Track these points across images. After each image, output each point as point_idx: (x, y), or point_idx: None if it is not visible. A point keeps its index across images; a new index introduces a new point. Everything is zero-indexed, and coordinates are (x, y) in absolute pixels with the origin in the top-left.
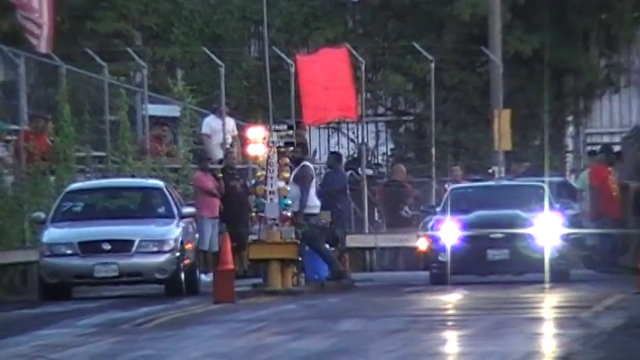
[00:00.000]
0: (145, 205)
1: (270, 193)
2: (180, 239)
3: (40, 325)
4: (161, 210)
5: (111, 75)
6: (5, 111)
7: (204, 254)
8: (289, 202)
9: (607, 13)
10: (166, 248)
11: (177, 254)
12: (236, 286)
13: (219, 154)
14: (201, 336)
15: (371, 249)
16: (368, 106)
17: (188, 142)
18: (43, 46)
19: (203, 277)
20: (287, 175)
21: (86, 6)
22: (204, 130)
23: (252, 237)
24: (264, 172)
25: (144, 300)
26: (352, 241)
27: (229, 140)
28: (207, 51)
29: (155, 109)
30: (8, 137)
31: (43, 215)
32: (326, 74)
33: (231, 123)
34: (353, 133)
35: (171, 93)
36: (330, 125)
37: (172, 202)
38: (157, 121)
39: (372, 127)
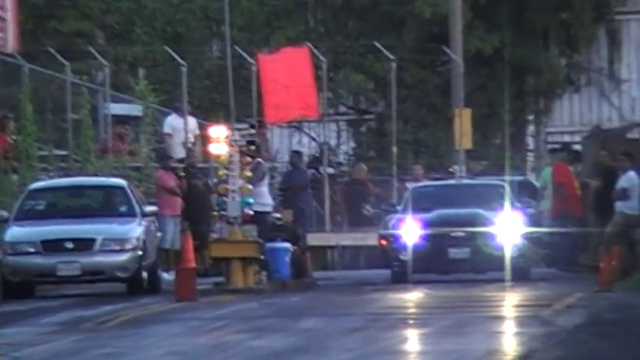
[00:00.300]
0: (107, 204)
1: (231, 191)
2: (142, 238)
3: (1, 324)
4: (123, 209)
5: (73, 74)
6: None
7: (166, 252)
8: (251, 200)
9: (567, 12)
10: (128, 247)
11: (139, 253)
12: (198, 285)
13: (180, 152)
14: (163, 334)
15: (332, 247)
16: (329, 105)
17: (150, 140)
18: (9, 46)
19: (165, 275)
20: (249, 174)
21: (48, 5)
22: (166, 129)
23: (213, 235)
24: (226, 171)
25: (106, 298)
26: (314, 239)
27: (191, 139)
28: (169, 50)
29: (117, 108)
30: None
31: (5, 214)
32: (287, 73)
33: (192, 122)
34: (314, 132)
35: (133, 92)
36: (292, 124)
37: (134, 201)
38: (119, 120)
39: (333, 126)
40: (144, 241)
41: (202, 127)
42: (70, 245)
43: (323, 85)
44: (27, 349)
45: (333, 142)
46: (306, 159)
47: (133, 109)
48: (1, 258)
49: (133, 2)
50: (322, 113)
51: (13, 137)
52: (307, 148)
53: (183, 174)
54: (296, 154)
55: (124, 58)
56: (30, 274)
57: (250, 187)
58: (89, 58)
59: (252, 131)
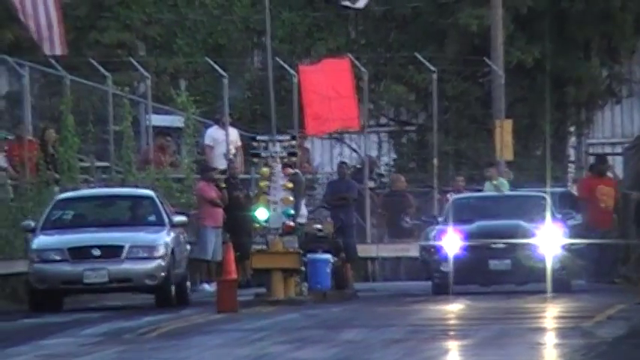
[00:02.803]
0: (135, 214)
1: (273, 203)
2: (170, 247)
3: (44, 335)
4: (151, 218)
5: (114, 85)
6: (10, 121)
7: (208, 264)
8: (292, 211)
9: (608, 23)
10: (156, 254)
11: (168, 261)
12: (239, 296)
13: (222, 164)
14: (204, 345)
15: (373, 259)
16: (370, 117)
17: (191, 152)
18: (57, 48)
19: (206, 286)
20: (290, 185)
21: (90, 16)
22: (207, 140)
23: (255, 247)
24: (267, 183)
25: (147, 309)
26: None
27: (232, 150)
28: (210, 61)
29: (158, 120)
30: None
31: (32, 223)
32: (328, 84)
33: (234, 133)
34: (355, 143)
35: (175, 103)
36: (333, 136)
37: (163, 211)
38: (161, 131)
39: (374, 138)
40: (172, 251)
41: (243, 139)
42: (97, 252)
43: (364, 96)
44: None
45: (373, 154)
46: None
47: (175, 121)
48: (28, 266)
49: (174, 13)
50: (363, 124)
51: (55, 149)
52: (348, 159)
53: (224, 185)
54: (343, 165)
55: (165, 69)
56: (57, 281)
57: (291, 198)
58: (130, 69)
59: (293, 142)
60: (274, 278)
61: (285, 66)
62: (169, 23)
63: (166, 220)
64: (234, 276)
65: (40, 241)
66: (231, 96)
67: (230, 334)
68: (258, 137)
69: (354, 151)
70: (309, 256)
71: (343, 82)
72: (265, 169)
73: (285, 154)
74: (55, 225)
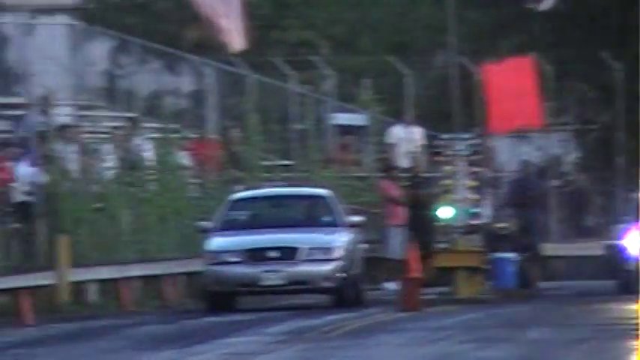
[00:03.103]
0: (310, 214)
1: (456, 201)
2: (347, 248)
3: (227, 333)
4: (327, 218)
5: (298, 84)
6: (193, 120)
7: (391, 262)
8: (475, 210)
9: None
10: (334, 256)
11: (345, 263)
12: (422, 295)
13: (405, 162)
14: (388, 344)
15: (557, 257)
16: (554, 115)
17: (375, 150)
18: (239, 43)
19: (390, 285)
20: (473, 183)
21: (273, 15)
22: (391, 139)
23: (438, 245)
24: (450, 181)
25: (330, 308)
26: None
27: (416, 149)
28: (393, 60)
29: (342, 118)
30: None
31: (207, 224)
32: (512, 83)
33: (417, 132)
34: (539, 141)
35: (358, 102)
36: (516, 134)
37: (338, 211)
38: (344, 129)
39: (558, 136)
40: (349, 252)
41: (427, 137)
42: (274, 254)
43: (547, 94)
44: (254, 359)
45: (558, 152)
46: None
47: (358, 119)
48: (203, 268)
49: (357, 12)
50: (547, 123)
51: (238, 147)
52: (532, 157)
53: (406, 184)
54: (526, 163)
55: (349, 68)
56: (233, 283)
57: (475, 197)
58: (314, 68)
59: (477, 141)
60: (458, 277)
61: (469, 64)
62: (353, 22)
63: (342, 220)
64: (417, 274)
65: (216, 242)
66: (415, 94)
67: (413, 332)
68: (442, 136)
69: (538, 149)
70: (493, 254)
71: (527, 81)
72: (449, 168)
73: (468, 152)
74: (230, 225)
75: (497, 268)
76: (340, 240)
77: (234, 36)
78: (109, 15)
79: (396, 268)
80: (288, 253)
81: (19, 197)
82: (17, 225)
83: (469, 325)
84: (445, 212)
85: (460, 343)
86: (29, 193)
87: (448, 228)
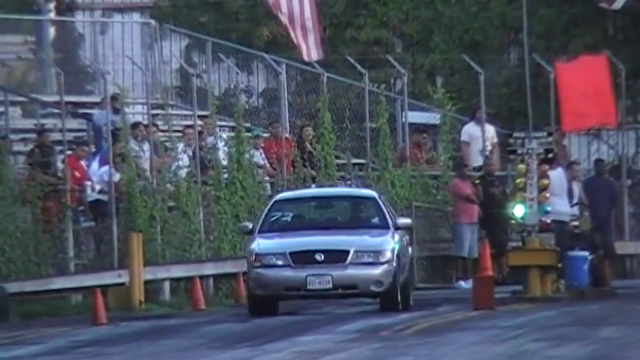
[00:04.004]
0: (357, 215)
1: (529, 199)
2: (396, 251)
3: (300, 332)
4: (375, 220)
5: (371, 82)
6: (266, 118)
7: (464, 261)
8: (549, 208)
9: None
10: (383, 259)
11: (394, 266)
12: (495, 293)
13: (477, 161)
14: (461, 342)
15: (631, 256)
16: (628, 113)
17: (447, 149)
18: (313, 54)
19: (462, 283)
20: (546, 182)
21: (347, 14)
22: (464, 137)
23: (511, 244)
24: (523, 179)
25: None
26: None
27: (489, 147)
28: (466, 58)
29: (415, 117)
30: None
31: (250, 225)
32: (585, 81)
33: (490, 130)
34: (613, 140)
35: (431, 100)
36: (590, 132)
37: (386, 213)
38: (417, 128)
39: (632, 135)
40: (398, 255)
41: (500, 135)
42: (320, 257)
43: (621, 93)
44: (324, 357)
45: (631, 151)
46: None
47: (431, 118)
48: (248, 271)
49: (431, 11)
50: (620, 121)
51: (312, 146)
52: (605, 156)
53: (478, 182)
54: (600, 162)
55: (422, 66)
56: (279, 287)
57: (548, 195)
58: (387, 66)
59: (550, 139)
60: (531, 275)
61: (542, 63)
62: (426, 20)
63: (390, 222)
64: (490, 273)
65: (260, 244)
66: (488, 92)
67: (486, 331)
68: (515, 134)
69: (611, 147)
70: (567, 253)
71: (600, 79)
72: (522, 166)
73: (541, 150)
74: (273, 227)
75: (570, 267)
76: (390, 242)
77: (310, 47)
78: (182, 13)
79: (469, 267)
80: (336, 256)
81: (93, 196)
82: (90, 224)
83: (542, 324)
84: (518, 210)
85: (532, 341)
86: (102, 192)
87: (521, 226)
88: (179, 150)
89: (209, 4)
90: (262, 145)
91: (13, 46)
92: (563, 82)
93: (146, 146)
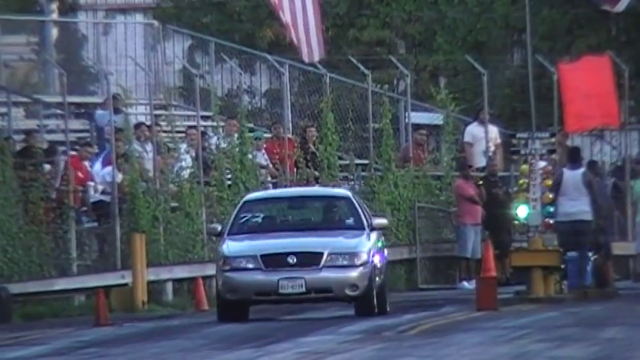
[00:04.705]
0: (330, 216)
1: (532, 200)
2: (372, 253)
3: (304, 332)
4: (349, 221)
5: (374, 83)
6: (269, 119)
7: (467, 261)
8: (552, 209)
9: None
10: (358, 262)
11: (369, 269)
12: (499, 294)
13: (481, 161)
14: (464, 343)
15: (634, 256)
16: (631, 114)
17: (451, 149)
18: (315, 55)
19: (465, 284)
20: (549, 182)
21: (350, 14)
22: (467, 137)
23: (514, 244)
24: (526, 180)
25: (406, 307)
26: (616, 248)
27: (492, 148)
28: (470, 59)
29: (418, 117)
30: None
31: (219, 227)
32: (588, 82)
33: (493, 130)
34: (616, 140)
35: (434, 101)
36: (593, 133)
37: (361, 213)
38: (420, 128)
39: (635, 135)
40: (374, 257)
41: (503, 136)
42: (293, 260)
43: (625, 93)
44: (328, 358)
45: (634, 151)
46: (607, 168)
47: (434, 118)
48: (217, 274)
49: (434, 11)
50: (623, 122)
51: (315, 146)
52: (608, 157)
53: (481, 182)
54: (593, 164)
55: (425, 67)
56: (249, 291)
57: (551, 195)
58: (390, 67)
59: (553, 140)
60: (534, 276)
61: (545, 63)
62: (429, 21)
63: (365, 223)
64: (493, 273)
65: (230, 246)
66: (491, 93)
67: (490, 332)
68: (518, 134)
69: (614, 148)
70: (569, 254)
71: (603, 80)
72: (525, 167)
73: (544, 151)
74: (243, 229)
75: (573, 268)
76: (365, 244)
77: (312, 47)
78: (185, 14)
79: (472, 267)
80: (309, 259)
81: (95, 197)
82: (93, 224)
83: (545, 325)
84: (521, 211)
85: (536, 342)
86: (105, 193)
87: (524, 227)
88: (182, 151)
89: (212, 5)
90: (264, 145)
91: (15, 47)
92: (567, 82)
93: (149, 147)
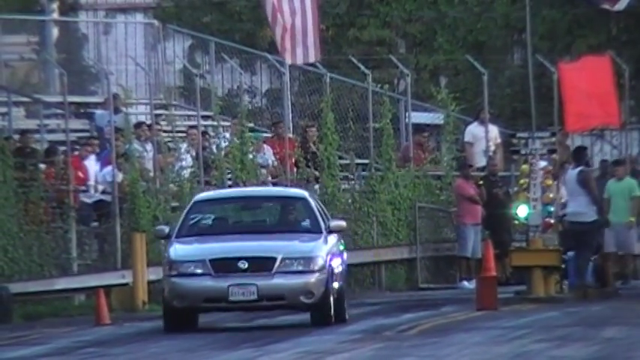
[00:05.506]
0: (285, 218)
1: (533, 200)
2: (330, 257)
3: (304, 332)
4: (305, 223)
5: (374, 83)
6: (269, 119)
7: (467, 261)
8: (552, 209)
9: None
10: (314, 267)
11: (326, 275)
12: (499, 293)
13: (481, 161)
14: (464, 343)
15: (635, 256)
16: (631, 114)
17: (451, 149)
18: (311, 56)
19: (466, 283)
20: (550, 182)
21: (350, 14)
22: (467, 137)
23: (514, 244)
24: (526, 180)
25: (407, 307)
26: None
27: (492, 147)
28: (470, 58)
29: (418, 117)
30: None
31: (167, 229)
32: (589, 81)
33: (494, 130)
34: (616, 140)
35: (435, 100)
36: (593, 133)
37: (318, 215)
38: (420, 128)
39: (635, 135)
40: (331, 262)
41: (503, 136)
42: (244, 265)
43: (625, 93)
44: (327, 358)
45: (635, 151)
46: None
47: (435, 118)
48: (163, 280)
49: (434, 11)
50: (624, 122)
51: (315, 146)
52: (609, 156)
53: (481, 182)
54: (604, 163)
55: (425, 66)
56: (197, 298)
57: (551, 195)
58: (390, 66)
59: (553, 139)
60: (534, 276)
61: (546, 63)
62: (429, 20)
63: (322, 225)
64: (493, 273)
65: (177, 250)
66: (491, 93)
67: (490, 331)
68: (518, 134)
69: (614, 147)
70: (569, 253)
71: (604, 79)
72: (525, 166)
73: (544, 151)
74: (193, 231)
75: (573, 267)
76: (321, 248)
77: (306, 46)
78: (186, 14)
79: (473, 267)
80: (261, 264)
81: (96, 196)
82: (94, 224)
83: (545, 324)
84: (521, 211)
85: (536, 342)
86: (105, 192)
87: (524, 227)
88: (182, 150)
89: (212, 5)
90: (266, 145)
91: (16, 47)
92: (567, 82)
93: (149, 146)
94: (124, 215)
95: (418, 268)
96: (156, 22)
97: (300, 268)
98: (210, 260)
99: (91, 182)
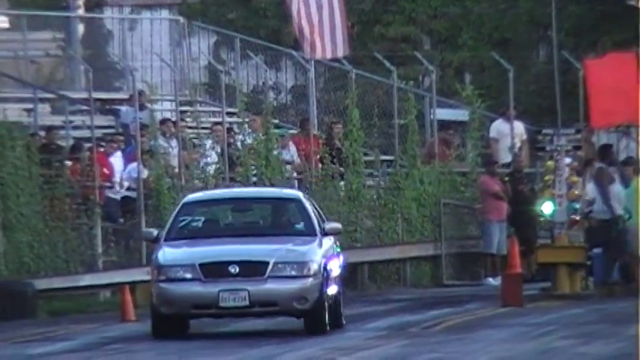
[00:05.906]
0: (278, 220)
1: (558, 196)
2: (324, 261)
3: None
4: (299, 226)
5: (399, 79)
6: (295, 115)
7: (492, 257)
8: (577, 206)
9: None
10: (308, 272)
11: (321, 280)
12: (524, 290)
13: (506, 157)
14: (490, 339)
15: None
16: None
17: (476, 146)
18: (339, 51)
19: (491, 280)
20: (575, 179)
21: (375, 10)
22: (492, 133)
23: (540, 241)
24: (552, 176)
25: (432, 303)
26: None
27: (517, 144)
28: (495, 55)
29: (443, 114)
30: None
31: (155, 232)
32: (614, 78)
33: (519, 127)
34: None
35: (460, 97)
36: (619, 129)
37: (313, 217)
38: (445, 125)
39: None
40: (326, 266)
41: (528, 132)
42: (235, 270)
43: None
44: (355, 354)
45: None
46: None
47: (460, 114)
48: (151, 285)
49: (459, 7)
50: None
51: (341, 142)
52: (634, 153)
53: (506, 179)
54: (628, 159)
55: (450, 63)
56: (186, 304)
57: (576, 192)
58: (415, 63)
59: (579, 136)
60: (560, 273)
61: (571, 59)
62: (455, 17)
63: (317, 228)
64: (519, 270)
65: (166, 254)
66: (517, 89)
67: (515, 328)
68: (544, 130)
69: None
70: (595, 250)
71: (629, 76)
72: (550, 163)
73: (570, 147)
74: (182, 234)
75: (599, 264)
76: (316, 252)
77: (334, 42)
78: (211, 10)
79: (498, 264)
80: (253, 269)
81: (121, 193)
82: (119, 220)
83: (570, 321)
84: (546, 207)
85: (561, 338)
86: (130, 189)
87: (550, 223)
88: (207, 147)
89: (237, 1)
90: (291, 141)
91: (41, 43)
92: (592, 79)
93: (174, 143)
94: (149, 212)
95: (443, 265)
96: (181, 19)
97: (294, 272)
98: (200, 265)
99: (116, 179)
